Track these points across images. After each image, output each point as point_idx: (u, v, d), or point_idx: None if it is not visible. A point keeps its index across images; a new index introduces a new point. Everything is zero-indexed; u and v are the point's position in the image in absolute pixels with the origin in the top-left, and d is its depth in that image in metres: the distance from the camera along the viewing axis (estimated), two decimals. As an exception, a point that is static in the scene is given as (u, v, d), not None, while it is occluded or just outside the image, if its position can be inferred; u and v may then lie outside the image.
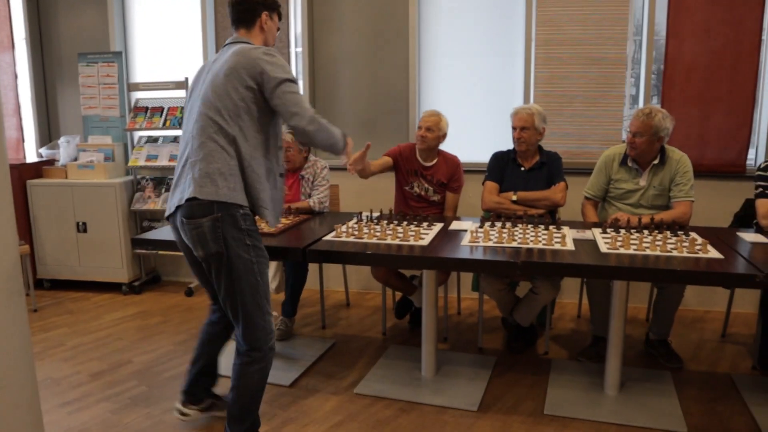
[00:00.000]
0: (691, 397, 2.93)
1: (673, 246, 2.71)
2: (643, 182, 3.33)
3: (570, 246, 2.76)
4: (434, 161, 3.66)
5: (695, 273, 2.43)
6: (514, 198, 3.46)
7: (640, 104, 4.19)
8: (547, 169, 3.52)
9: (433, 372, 3.18)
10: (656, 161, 3.30)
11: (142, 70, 4.90)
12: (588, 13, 4.08)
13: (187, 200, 2.20)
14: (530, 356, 3.44)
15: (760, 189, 3.17)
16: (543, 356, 3.44)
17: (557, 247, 2.75)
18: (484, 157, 3.72)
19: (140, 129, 4.45)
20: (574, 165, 4.16)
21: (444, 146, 3.69)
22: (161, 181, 4.57)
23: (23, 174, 4.51)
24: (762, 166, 3.23)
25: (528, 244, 2.80)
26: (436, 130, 3.56)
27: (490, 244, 2.81)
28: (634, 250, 2.68)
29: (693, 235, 2.94)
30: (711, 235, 3.01)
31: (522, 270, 2.57)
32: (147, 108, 4.49)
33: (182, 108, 4.40)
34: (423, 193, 3.67)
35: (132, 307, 4.32)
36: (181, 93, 4.41)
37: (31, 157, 4.98)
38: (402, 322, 3.93)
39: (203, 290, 4.56)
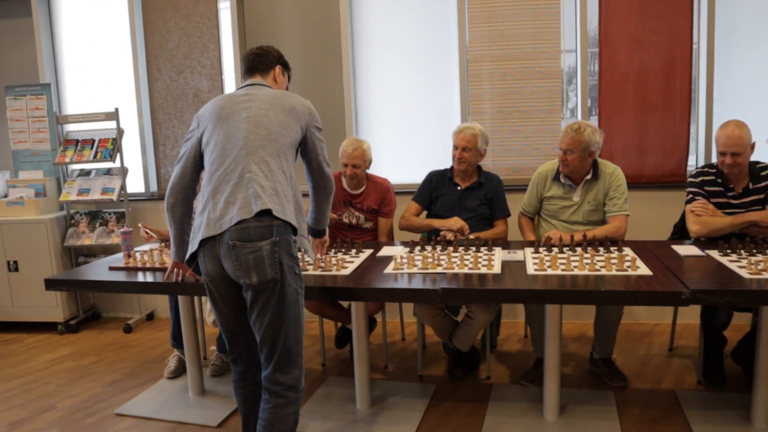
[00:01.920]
0: (633, 418, 2.77)
1: (602, 264, 2.57)
2: (576, 198, 3.21)
3: (497, 269, 2.60)
4: (362, 189, 3.48)
5: (618, 293, 2.28)
6: (472, 237, 3.17)
7: (579, 117, 4.09)
8: (485, 191, 3.37)
9: (369, 404, 2.98)
10: (589, 176, 3.18)
11: (72, 102, 4.70)
12: (519, 28, 3.98)
13: (240, 222, 2.03)
14: (472, 382, 3.26)
15: (690, 195, 3.06)
16: (485, 381, 3.26)
17: (483, 270, 2.59)
18: (421, 178, 3.58)
19: (71, 162, 4.23)
20: (514, 182, 4.03)
21: (380, 168, 3.53)
22: (96, 215, 4.35)
23: (-51, 213, 4.27)
24: (693, 172, 3.12)
25: (453, 268, 2.64)
26: (362, 164, 3.39)
27: (414, 270, 2.65)
28: (562, 270, 2.53)
29: (626, 250, 2.81)
30: (645, 249, 2.88)
31: (442, 298, 2.40)
32: (78, 141, 4.27)
33: (113, 140, 4.20)
34: (354, 221, 3.49)
35: (66, 347, 4.07)
36: (111, 124, 4.21)
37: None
38: (343, 351, 3.74)
39: (143, 327, 4.47)
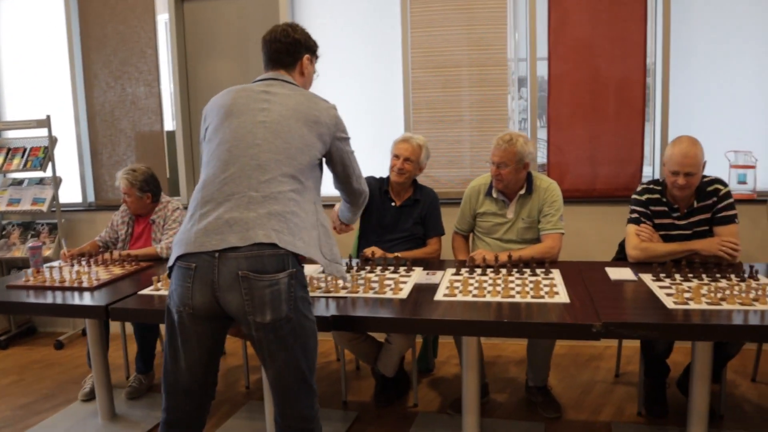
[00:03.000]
0: (560, 455, 2.53)
1: (518, 290, 2.32)
2: (510, 214, 2.96)
3: (403, 294, 2.35)
4: None
5: (521, 325, 2.03)
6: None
7: (527, 128, 3.85)
8: (420, 209, 3.11)
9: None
10: (522, 191, 2.94)
11: (11, 108, 4.48)
12: (463, 33, 3.74)
13: (252, 248, 1.72)
14: (397, 409, 3.01)
15: (636, 215, 2.80)
16: (411, 409, 3.01)
17: (389, 295, 2.35)
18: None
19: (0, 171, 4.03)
20: (456, 194, 3.75)
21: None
22: (28, 226, 4.13)
23: None
24: (638, 189, 2.87)
25: (358, 291, 2.39)
26: None
27: (317, 294, 2.39)
28: (473, 296, 2.28)
29: (554, 273, 2.56)
30: (574, 272, 2.62)
31: (333, 325, 2.16)
32: (9, 149, 4.06)
33: (45, 148, 3.99)
34: None
35: (-11, 363, 3.86)
36: (43, 132, 3.99)
37: None
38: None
39: (76, 343, 4.15)
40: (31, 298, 2.61)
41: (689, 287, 2.22)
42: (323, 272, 2.23)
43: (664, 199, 2.77)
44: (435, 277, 2.58)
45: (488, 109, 3.77)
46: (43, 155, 3.96)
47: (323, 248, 1.91)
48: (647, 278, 2.44)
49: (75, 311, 2.52)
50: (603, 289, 2.36)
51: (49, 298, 2.58)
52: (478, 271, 2.64)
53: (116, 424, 2.97)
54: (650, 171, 3.80)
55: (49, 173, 4.01)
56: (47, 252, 3.94)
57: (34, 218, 4.18)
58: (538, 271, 2.60)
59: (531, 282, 2.39)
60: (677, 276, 2.42)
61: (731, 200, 2.72)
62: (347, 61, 4.00)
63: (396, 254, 2.86)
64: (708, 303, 2.08)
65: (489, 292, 2.30)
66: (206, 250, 1.74)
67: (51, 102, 4.29)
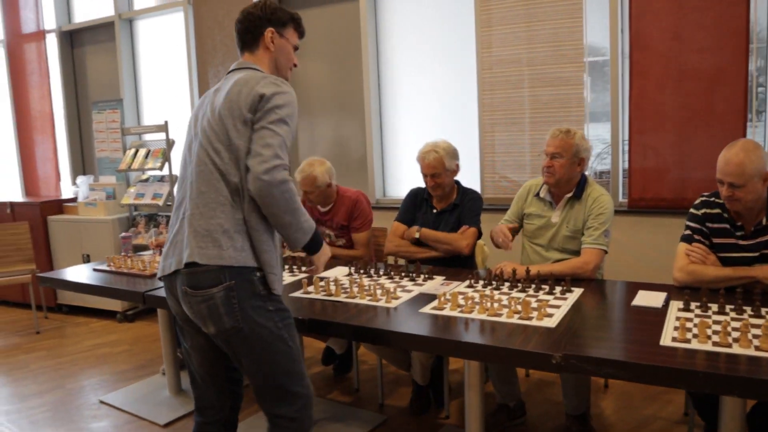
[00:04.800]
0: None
1: (504, 309, 2.11)
2: (555, 218, 2.68)
3: (396, 303, 2.27)
4: (330, 206, 3.24)
5: (481, 347, 1.85)
6: (417, 235, 2.98)
7: (608, 129, 3.45)
8: (459, 212, 2.97)
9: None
10: (570, 194, 2.65)
11: (149, 114, 5.13)
12: (536, 30, 3.46)
13: (188, 265, 1.74)
14: (429, 418, 2.92)
15: (688, 231, 2.39)
16: (442, 420, 2.90)
17: (381, 303, 2.29)
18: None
19: (128, 170, 4.63)
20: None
21: (404, 179, 3.30)
22: (151, 217, 4.69)
23: (44, 210, 4.91)
24: (696, 202, 2.44)
25: (355, 298, 2.37)
26: (313, 188, 3.10)
27: (321, 296, 2.42)
28: (459, 311, 2.14)
29: (575, 291, 2.28)
30: (598, 292, 2.32)
31: (308, 328, 2.16)
32: (136, 150, 4.66)
33: (164, 150, 4.50)
34: (327, 239, 3.29)
35: (114, 335, 4.44)
36: (161, 136, 4.50)
37: (68, 192, 5.41)
38: (327, 369, 3.57)
39: None
40: (98, 281, 2.99)
41: (716, 322, 1.84)
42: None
43: (726, 215, 2.32)
44: (447, 287, 2.45)
45: (562, 110, 3.45)
46: (162, 156, 4.47)
47: (255, 254, 1.79)
48: (675, 307, 2.08)
49: (120, 294, 2.83)
50: (609, 316, 2.06)
51: (109, 281, 2.94)
52: (494, 284, 2.45)
53: (178, 397, 3.27)
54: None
55: (166, 171, 4.53)
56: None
57: (157, 211, 4.74)
58: (555, 288, 2.34)
59: (535, 301, 2.16)
60: (713, 307, 2.02)
61: (811, 218, 2.20)
62: (426, 63, 3.93)
63: (417, 230, 2.91)
64: (714, 344, 1.72)
65: (476, 308, 2.13)
66: (163, 274, 1.86)
67: (171, 108, 4.83)
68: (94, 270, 3.21)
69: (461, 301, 2.19)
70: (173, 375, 3.33)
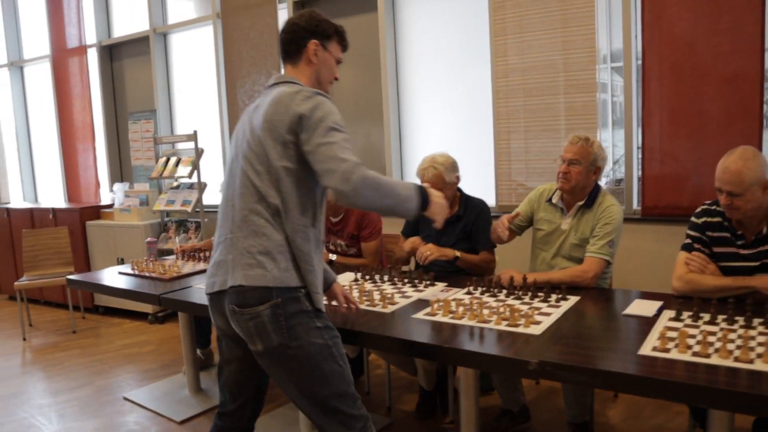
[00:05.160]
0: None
1: (494, 316, 2.13)
2: (565, 226, 2.66)
3: (392, 309, 2.32)
4: (341, 215, 3.28)
5: (459, 352, 1.89)
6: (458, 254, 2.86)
7: (622, 137, 3.41)
8: (464, 224, 2.92)
9: (310, 427, 2.89)
10: (582, 202, 2.63)
11: (182, 124, 5.34)
12: (547, 37, 3.46)
13: (236, 287, 1.76)
14: (435, 423, 2.95)
15: (689, 240, 2.36)
16: (446, 425, 2.93)
17: (378, 309, 2.34)
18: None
19: (159, 177, 4.83)
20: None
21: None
22: (181, 223, 4.88)
23: (83, 216, 5.18)
24: (698, 210, 2.40)
25: (363, 303, 2.41)
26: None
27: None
28: (450, 317, 2.17)
29: (570, 299, 2.29)
30: (591, 301, 2.31)
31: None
32: (168, 158, 4.85)
33: (193, 159, 4.68)
34: (339, 249, 3.34)
35: (144, 335, 4.63)
36: (190, 145, 4.69)
37: (107, 199, 5.68)
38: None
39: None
40: (121, 283, 3.14)
41: (710, 333, 1.82)
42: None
43: (726, 224, 2.28)
44: (446, 294, 2.49)
45: (575, 116, 3.44)
46: (192, 166, 4.65)
47: (300, 273, 1.78)
48: (666, 316, 2.06)
49: (137, 296, 2.98)
50: (598, 324, 2.07)
51: (131, 284, 3.09)
52: (492, 292, 2.47)
53: (196, 396, 3.40)
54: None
55: (194, 179, 4.70)
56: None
57: (186, 217, 4.93)
58: (551, 296, 2.35)
59: (529, 308, 2.18)
60: (705, 317, 2.00)
61: (814, 228, 2.15)
62: (443, 72, 3.98)
63: (456, 253, 2.83)
64: (694, 354, 1.71)
65: (465, 315, 2.17)
66: (208, 292, 1.88)
67: (201, 118, 5.02)
68: (120, 273, 3.38)
69: (453, 308, 2.23)
70: (192, 375, 3.46)
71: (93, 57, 5.71)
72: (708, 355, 1.68)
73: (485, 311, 2.16)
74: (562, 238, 2.68)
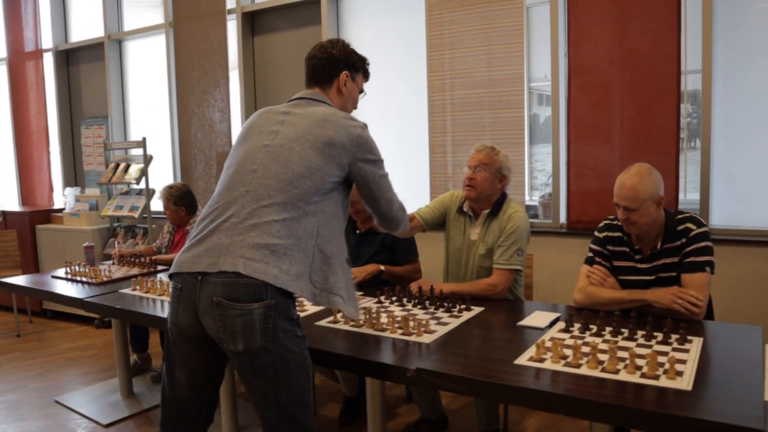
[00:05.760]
0: None
1: (389, 324, 2.17)
2: (474, 236, 2.68)
3: (302, 315, 2.37)
4: None
5: (345, 358, 1.93)
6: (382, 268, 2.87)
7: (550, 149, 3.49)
8: (383, 235, 2.85)
9: (233, 429, 2.90)
10: (487, 210, 2.66)
11: (135, 130, 5.36)
12: (476, 53, 3.54)
13: (227, 275, 1.64)
14: (354, 430, 2.98)
15: (591, 254, 2.43)
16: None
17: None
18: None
19: (108, 183, 4.82)
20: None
21: None
22: (130, 228, 4.88)
23: (33, 220, 5.16)
24: (600, 224, 2.47)
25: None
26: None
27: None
28: (351, 326, 2.20)
29: (474, 310, 2.34)
30: (495, 313, 2.36)
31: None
32: (117, 164, 4.85)
33: (143, 167, 4.68)
34: None
35: (88, 339, 4.59)
36: (139, 151, 4.69)
37: (60, 203, 5.65)
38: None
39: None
40: (50, 287, 3.14)
41: (580, 344, 1.87)
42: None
43: (626, 238, 2.35)
44: (361, 301, 2.52)
45: (503, 131, 3.52)
46: (141, 173, 4.66)
47: (314, 275, 1.74)
48: (557, 327, 2.12)
49: (62, 300, 2.98)
50: (488, 335, 2.12)
51: (60, 288, 3.09)
52: (402, 302, 2.51)
53: (127, 399, 3.40)
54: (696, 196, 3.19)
55: (143, 185, 4.71)
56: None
57: (134, 223, 4.92)
58: (455, 307, 2.39)
59: (428, 317, 2.22)
60: (594, 329, 2.06)
61: (704, 244, 2.21)
62: (387, 86, 4.04)
63: (380, 267, 2.84)
64: (565, 364, 1.76)
65: (366, 324, 2.21)
66: (186, 270, 1.71)
67: (153, 125, 5.04)
68: (52, 277, 3.37)
69: (366, 317, 2.26)
70: (124, 378, 3.46)
71: (49, 61, 5.70)
72: (578, 365, 1.74)
73: (384, 320, 2.20)
74: (472, 249, 2.69)
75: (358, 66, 1.99)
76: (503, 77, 3.48)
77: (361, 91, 2.05)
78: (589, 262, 2.41)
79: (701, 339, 1.94)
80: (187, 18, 4.66)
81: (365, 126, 1.87)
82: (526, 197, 3.62)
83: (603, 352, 1.81)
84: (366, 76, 2.05)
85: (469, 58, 3.57)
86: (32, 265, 5.15)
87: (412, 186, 3.89)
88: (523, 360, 1.80)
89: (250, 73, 4.57)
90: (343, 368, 2.09)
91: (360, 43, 4.11)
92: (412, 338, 2.05)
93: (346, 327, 2.20)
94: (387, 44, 4.06)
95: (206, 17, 4.55)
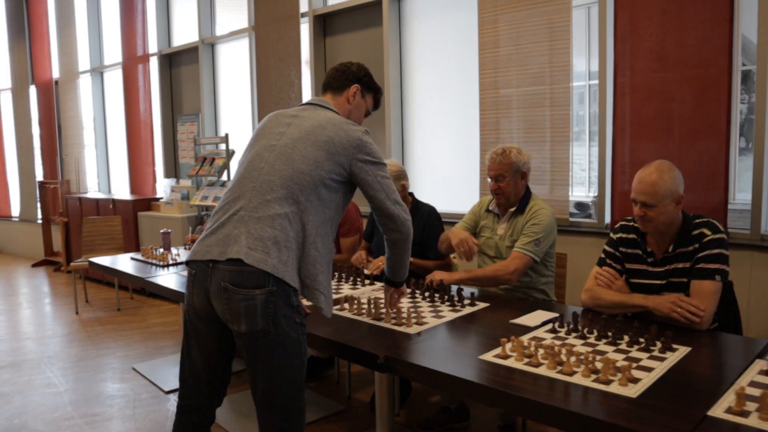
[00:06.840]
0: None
1: (383, 314, 2.30)
2: (500, 231, 2.80)
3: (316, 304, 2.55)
4: None
5: (324, 340, 2.09)
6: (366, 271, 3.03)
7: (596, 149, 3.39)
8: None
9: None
10: (513, 208, 2.76)
11: (226, 126, 5.83)
12: (527, 52, 3.51)
13: (234, 262, 1.79)
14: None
15: (603, 255, 2.39)
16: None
17: (303, 302, 2.58)
18: (459, 207, 3.58)
19: (196, 175, 5.32)
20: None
21: (424, 195, 3.49)
22: (214, 216, 5.35)
23: (136, 207, 5.81)
24: (616, 225, 2.43)
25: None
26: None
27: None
28: (353, 314, 2.36)
29: (475, 307, 2.40)
30: (494, 310, 2.39)
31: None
32: (205, 158, 5.33)
33: (224, 160, 5.12)
34: None
35: (176, 316, 5.13)
36: (222, 147, 5.13)
37: (160, 192, 6.29)
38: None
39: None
40: (141, 270, 3.53)
41: (564, 345, 1.89)
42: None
43: (639, 240, 2.29)
44: (377, 293, 2.67)
45: (550, 129, 3.47)
46: (222, 164, 5.10)
47: (305, 270, 1.88)
48: (546, 327, 2.13)
49: (129, 278, 3.41)
50: (476, 330, 2.17)
51: (132, 268, 3.53)
52: (417, 293, 2.62)
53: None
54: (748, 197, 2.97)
55: (225, 177, 5.15)
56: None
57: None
58: (459, 301, 2.46)
59: (428, 310, 2.33)
60: (580, 330, 2.05)
61: (717, 251, 2.11)
62: (442, 84, 4.12)
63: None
64: (526, 363, 1.80)
65: (365, 310, 2.35)
66: (199, 259, 1.86)
67: (239, 122, 5.47)
68: (131, 259, 3.84)
69: (356, 306, 2.41)
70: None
71: (154, 64, 6.37)
72: (538, 365, 1.77)
73: (382, 310, 2.33)
74: (498, 243, 2.79)
75: (370, 86, 2.14)
76: (552, 74, 3.44)
77: (368, 112, 2.18)
78: (600, 263, 2.37)
79: (688, 349, 1.88)
80: (265, 22, 5.02)
81: (366, 131, 1.98)
82: (570, 195, 3.55)
83: (574, 354, 1.81)
84: (376, 102, 2.19)
85: (517, 57, 3.56)
86: (134, 248, 5.81)
87: (463, 183, 3.95)
88: (488, 356, 1.86)
89: (321, 73, 4.83)
90: (318, 349, 2.26)
91: (419, 43, 4.23)
92: (402, 328, 2.17)
93: (349, 315, 2.35)
94: (445, 44, 4.13)
95: (282, 21, 4.87)
